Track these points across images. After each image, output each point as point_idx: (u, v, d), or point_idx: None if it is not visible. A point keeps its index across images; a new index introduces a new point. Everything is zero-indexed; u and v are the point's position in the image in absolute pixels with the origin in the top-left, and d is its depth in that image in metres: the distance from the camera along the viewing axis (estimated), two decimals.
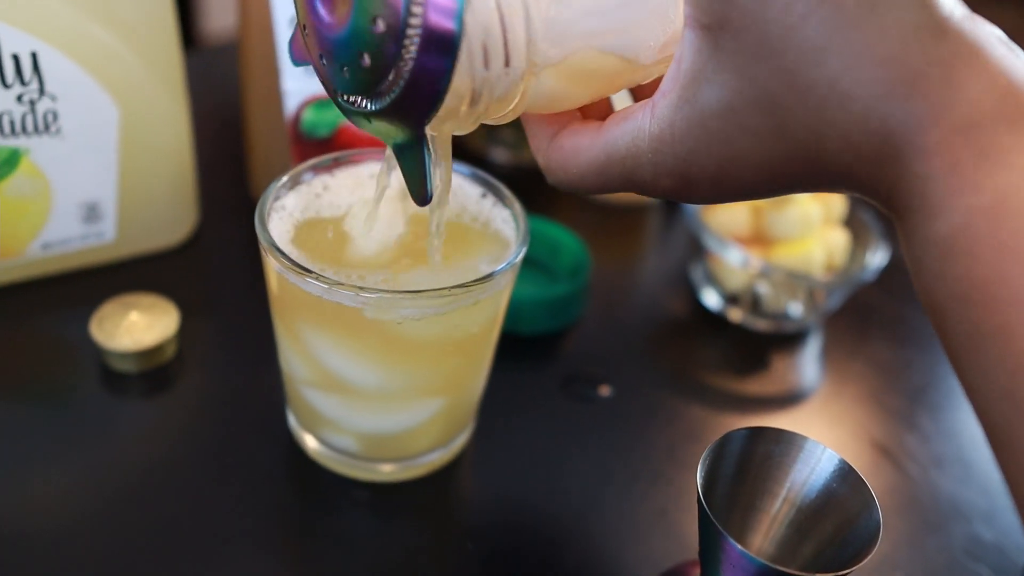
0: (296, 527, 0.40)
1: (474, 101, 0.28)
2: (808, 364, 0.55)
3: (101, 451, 0.43)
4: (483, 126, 0.32)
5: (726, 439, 0.32)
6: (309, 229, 0.38)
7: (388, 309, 0.35)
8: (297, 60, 0.31)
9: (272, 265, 0.36)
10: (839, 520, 0.31)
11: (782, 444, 0.32)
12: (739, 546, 0.28)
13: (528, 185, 0.50)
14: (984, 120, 0.23)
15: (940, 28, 0.24)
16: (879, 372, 0.55)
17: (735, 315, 0.56)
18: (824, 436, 0.49)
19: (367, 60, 0.27)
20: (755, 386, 0.53)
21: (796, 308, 0.55)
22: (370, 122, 0.28)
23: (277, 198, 0.39)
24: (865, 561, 0.28)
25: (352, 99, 0.28)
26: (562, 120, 0.32)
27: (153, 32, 0.48)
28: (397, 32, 0.25)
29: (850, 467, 0.31)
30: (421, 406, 0.40)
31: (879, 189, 0.25)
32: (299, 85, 0.50)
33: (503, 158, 0.68)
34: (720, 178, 0.27)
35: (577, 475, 0.44)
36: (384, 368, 0.38)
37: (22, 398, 0.45)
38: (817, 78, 0.24)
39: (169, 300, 0.49)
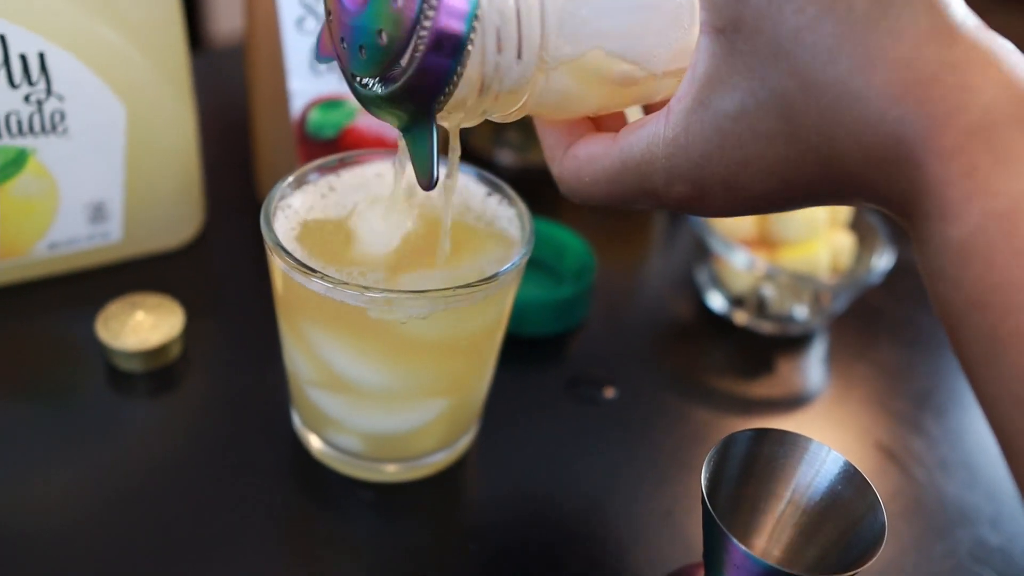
0: (300, 527, 0.40)
1: (484, 90, 0.28)
2: (813, 367, 0.55)
3: (106, 450, 0.43)
4: (490, 127, 0.32)
5: (730, 440, 0.32)
6: (314, 229, 0.38)
7: (392, 309, 0.35)
8: (321, 56, 0.32)
9: (277, 264, 0.36)
10: (844, 522, 0.31)
11: (787, 446, 0.32)
12: (743, 547, 0.28)
13: (533, 187, 0.50)
14: (1000, 123, 0.23)
15: (953, 34, 0.24)
16: (885, 375, 0.54)
17: (740, 318, 0.56)
18: (829, 439, 0.49)
19: (384, 38, 0.27)
20: (760, 389, 0.52)
21: (801, 311, 0.55)
22: (383, 105, 0.29)
23: (283, 197, 0.39)
24: (870, 563, 0.28)
25: (367, 82, 0.29)
26: (577, 132, 0.32)
27: (160, 33, 0.48)
28: (415, 8, 0.26)
29: (855, 469, 0.31)
30: (425, 406, 0.40)
31: (892, 195, 0.25)
32: (305, 86, 0.50)
33: (509, 160, 0.68)
34: (732, 184, 0.27)
35: (581, 477, 0.44)
36: (389, 368, 0.38)
37: (28, 397, 0.45)
38: (829, 79, 0.24)
39: (175, 300, 0.49)
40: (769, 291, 0.54)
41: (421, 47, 0.26)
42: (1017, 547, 0.44)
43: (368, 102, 0.30)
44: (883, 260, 0.54)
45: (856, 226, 0.58)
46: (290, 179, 0.39)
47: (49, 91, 0.45)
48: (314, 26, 0.49)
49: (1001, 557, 0.43)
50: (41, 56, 0.44)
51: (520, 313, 0.51)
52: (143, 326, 0.47)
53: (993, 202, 0.23)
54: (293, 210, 0.39)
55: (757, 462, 0.32)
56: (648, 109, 0.35)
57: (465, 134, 0.67)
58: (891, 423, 0.51)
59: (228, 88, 0.74)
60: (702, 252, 0.58)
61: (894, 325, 0.59)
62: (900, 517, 0.44)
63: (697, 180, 0.28)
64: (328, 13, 0.30)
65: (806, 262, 0.53)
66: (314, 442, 0.43)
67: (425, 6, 0.26)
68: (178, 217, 0.55)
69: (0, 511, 0.39)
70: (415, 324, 0.35)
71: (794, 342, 0.56)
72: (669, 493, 0.44)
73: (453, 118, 0.30)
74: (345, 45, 0.29)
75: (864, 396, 0.53)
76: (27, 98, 0.44)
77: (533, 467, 0.45)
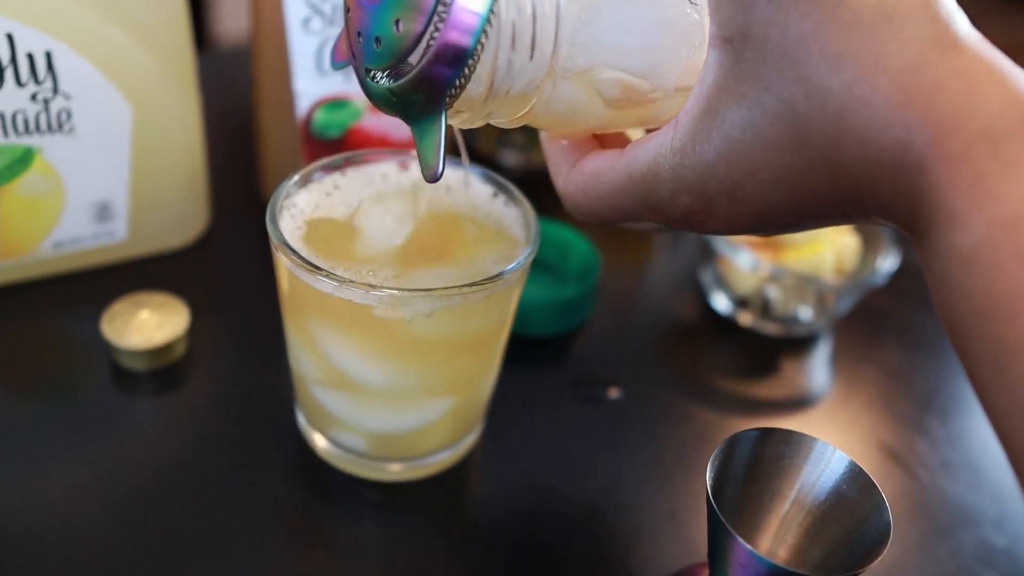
0: (304, 526, 0.40)
1: (493, 86, 0.28)
2: (818, 368, 0.55)
3: (110, 449, 0.43)
4: (494, 129, 0.32)
5: (735, 440, 0.32)
6: (320, 227, 0.38)
7: (398, 307, 0.35)
8: (336, 62, 0.33)
9: (282, 263, 0.36)
10: (849, 522, 0.31)
11: (792, 445, 0.32)
12: (748, 547, 0.28)
13: (538, 187, 0.50)
14: (1007, 130, 0.23)
15: (957, 44, 0.24)
16: (889, 377, 0.54)
17: (745, 319, 0.56)
18: (833, 440, 0.49)
19: (400, 28, 0.27)
20: (764, 390, 0.52)
21: (806, 312, 0.55)
22: (394, 97, 0.29)
23: (288, 196, 0.39)
24: (875, 563, 0.28)
25: (379, 76, 0.29)
26: (583, 149, 0.33)
27: (167, 33, 0.48)
28: None
29: (860, 469, 0.31)
30: (430, 405, 0.40)
31: (898, 204, 0.25)
32: (311, 86, 0.50)
33: (514, 161, 0.68)
34: (736, 195, 0.27)
35: (586, 477, 0.44)
36: (394, 367, 0.38)
37: (32, 396, 0.45)
38: (835, 85, 0.24)
39: (180, 299, 0.49)
40: (773, 292, 0.54)
41: (436, 35, 0.27)
42: (1022, 548, 0.44)
43: (379, 96, 0.30)
44: (887, 262, 0.54)
45: (861, 228, 0.58)
46: (295, 178, 0.39)
47: (56, 90, 0.45)
48: (320, 26, 0.49)
49: (1006, 559, 0.43)
50: (48, 55, 0.44)
51: (524, 313, 0.51)
52: (148, 325, 0.47)
53: (1000, 209, 0.22)
54: (298, 209, 0.39)
55: (762, 462, 0.32)
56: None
57: (471, 135, 0.68)
58: (895, 424, 0.51)
59: (234, 88, 0.74)
60: (706, 253, 0.58)
61: (898, 327, 0.59)
62: (904, 518, 0.44)
63: (702, 191, 0.28)
64: (347, 10, 0.31)
65: (810, 263, 0.53)
66: (319, 441, 0.43)
67: None
68: (183, 216, 0.55)
69: (4, 510, 0.39)
70: (420, 322, 0.35)
71: (798, 343, 0.56)
72: (673, 493, 0.44)
73: (459, 117, 0.30)
74: (361, 39, 0.30)
75: (868, 397, 0.53)
76: (34, 97, 0.45)
77: (537, 467, 0.45)
